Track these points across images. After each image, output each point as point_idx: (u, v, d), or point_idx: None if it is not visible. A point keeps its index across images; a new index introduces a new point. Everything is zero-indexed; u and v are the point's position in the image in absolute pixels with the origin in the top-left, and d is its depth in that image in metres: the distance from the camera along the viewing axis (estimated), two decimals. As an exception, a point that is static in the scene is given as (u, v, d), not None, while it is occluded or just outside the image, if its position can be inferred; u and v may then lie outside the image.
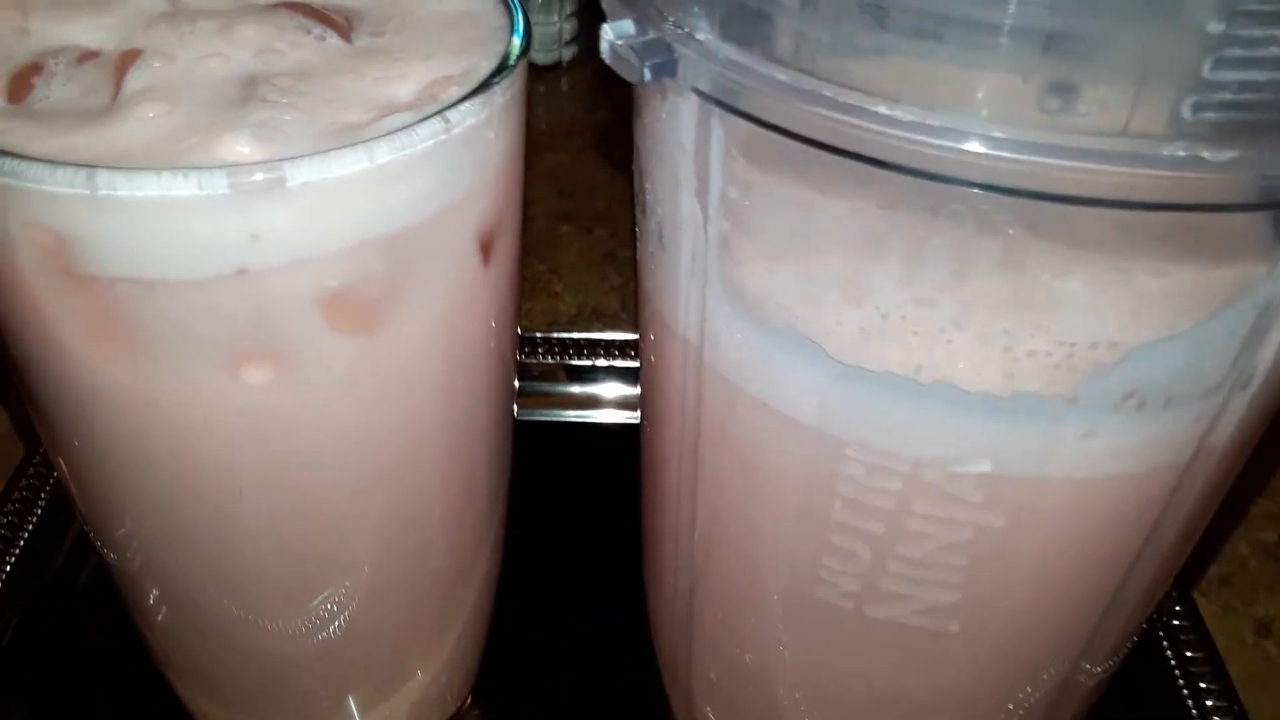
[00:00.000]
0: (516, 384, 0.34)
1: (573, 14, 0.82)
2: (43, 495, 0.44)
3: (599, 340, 0.57)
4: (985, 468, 0.22)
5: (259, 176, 0.21)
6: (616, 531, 0.42)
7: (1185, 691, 0.40)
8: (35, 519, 0.43)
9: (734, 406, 0.24)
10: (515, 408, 0.34)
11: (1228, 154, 0.17)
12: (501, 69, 0.25)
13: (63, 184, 0.21)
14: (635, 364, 0.56)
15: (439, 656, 0.36)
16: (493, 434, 0.32)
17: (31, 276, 0.23)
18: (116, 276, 0.22)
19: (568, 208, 0.71)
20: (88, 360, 0.24)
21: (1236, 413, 0.22)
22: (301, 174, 0.21)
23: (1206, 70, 0.16)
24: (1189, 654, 0.42)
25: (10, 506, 0.44)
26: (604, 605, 0.42)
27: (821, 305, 0.22)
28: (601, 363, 0.56)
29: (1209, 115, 0.16)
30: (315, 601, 0.31)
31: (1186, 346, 0.20)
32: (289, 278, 0.23)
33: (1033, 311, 0.20)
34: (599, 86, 0.83)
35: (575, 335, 0.58)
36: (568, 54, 0.84)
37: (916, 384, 0.21)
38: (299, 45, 0.27)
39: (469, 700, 0.39)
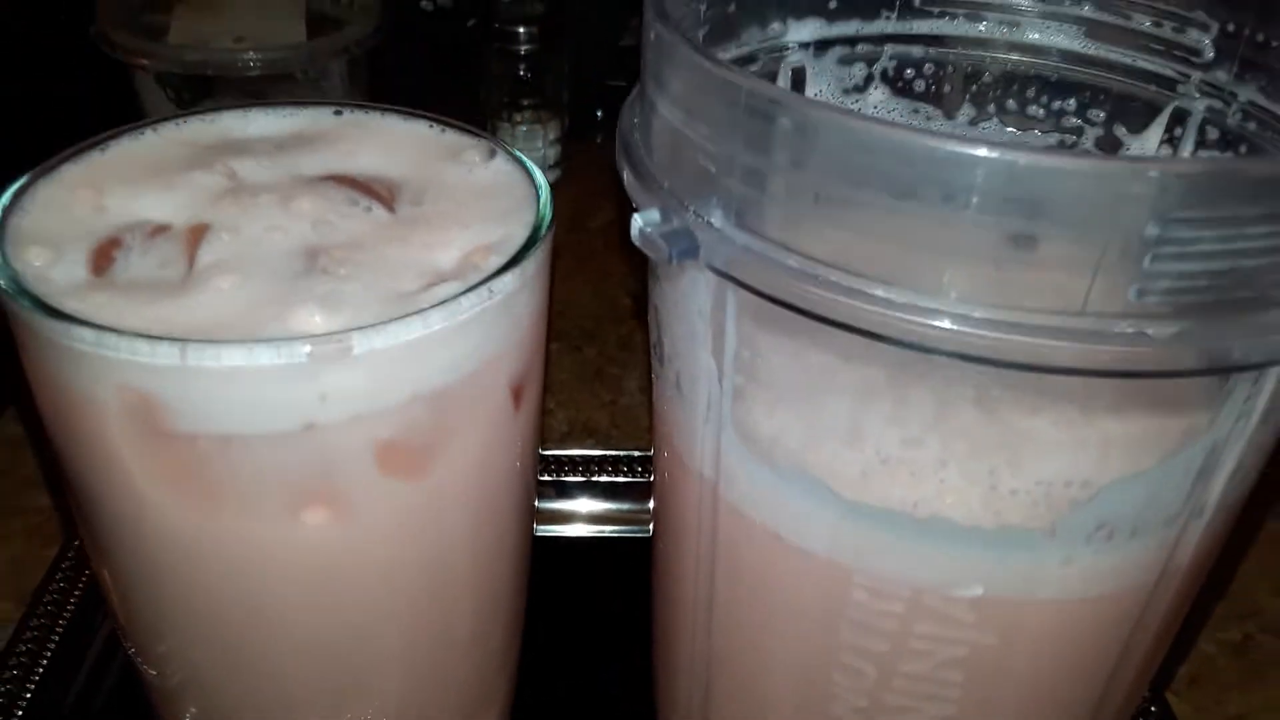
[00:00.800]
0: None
1: (556, 140, 0.87)
2: (73, 596, 0.46)
3: (592, 456, 0.60)
4: (978, 591, 0.25)
5: (332, 345, 0.24)
6: (619, 644, 0.44)
7: (1166, 791, 0.42)
8: (66, 620, 0.44)
9: (748, 537, 0.27)
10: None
11: (1169, 330, 0.20)
12: (533, 241, 0.28)
13: (159, 356, 0.23)
14: (627, 479, 0.58)
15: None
16: (515, 558, 0.35)
17: (116, 431, 0.25)
18: (198, 433, 0.25)
19: (557, 327, 0.74)
20: (159, 504, 0.27)
21: (1193, 539, 0.25)
22: (367, 342, 0.24)
23: (1147, 264, 0.20)
24: (1167, 753, 0.44)
25: (48, 596, 0.45)
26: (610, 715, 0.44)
27: (827, 449, 0.25)
28: (595, 479, 0.59)
29: (1152, 299, 0.20)
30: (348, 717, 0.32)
31: (1149, 483, 0.23)
32: (349, 431, 0.26)
33: (1013, 455, 0.23)
34: (583, 210, 0.87)
35: (569, 452, 0.60)
36: (552, 177, 0.88)
37: (914, 518, 0.24)
38: (349, 216, 0.30)
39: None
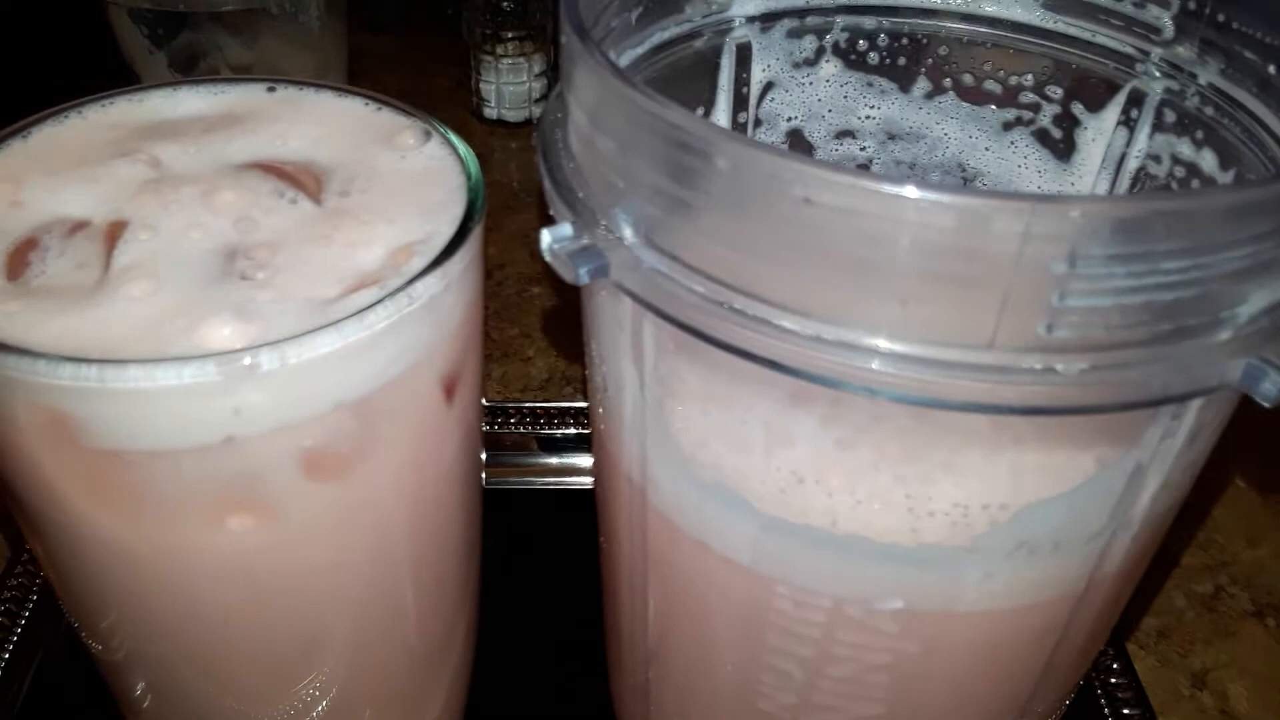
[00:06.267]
0: (484, 478, 0.36)
1: (541, 73, 0.85)
2: (33, 591, 0.46)
3: (568, 409, 0.59)
4: (898, 605, 0.25)
5: (239, 364, 0.23)
6: (586, 597, 0.44)
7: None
8: (27, 614, 0.45)
9: (675, 543, 0.27)
10: (485, 476, 0.36)
11: (1078, 366, 0.19)
12: (458, 240, 0.27)
13: (62, 376, 0.23)
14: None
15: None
16: (462, 543, 0.35)
17: (36, 446, 0.25)
18: (114, 449, 0.25)
19: (539, 269, 0.73)
20: (88, 515, 0.26)
21: (1122, 548, 0.25)
22: (277, 358, 0.24)
23: (1055, 301, 0.19)
24: (1126, 711, 0.44)
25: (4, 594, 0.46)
26: (575, 673, 0.44)
27: (745, 465, 0.24)
28: (572, 431, 0.59)
29: (1061, 334, 0.19)
30: (295, 703, 0.33)
31: (1069, 505, 0.23)
32: (270, 442, 0.25)
33: (928, 478, 0.23)
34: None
35: (546, 405, 0.60)
36: (538, 111, 0.86)
37: (833, 535, 0.24)
38: (273, 211, 0.29)
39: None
